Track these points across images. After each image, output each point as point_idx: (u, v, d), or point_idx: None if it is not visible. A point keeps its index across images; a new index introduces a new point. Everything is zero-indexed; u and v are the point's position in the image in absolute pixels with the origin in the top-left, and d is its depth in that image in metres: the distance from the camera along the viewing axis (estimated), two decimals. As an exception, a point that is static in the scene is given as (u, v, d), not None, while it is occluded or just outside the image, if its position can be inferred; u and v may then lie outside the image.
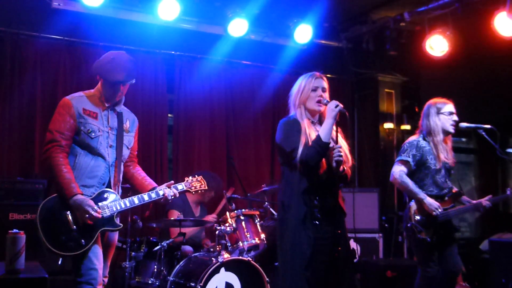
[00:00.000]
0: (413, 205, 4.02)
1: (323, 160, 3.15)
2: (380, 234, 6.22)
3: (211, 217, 5.14)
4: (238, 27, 5.90)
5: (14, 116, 5.25)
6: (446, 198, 4.03)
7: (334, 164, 3.10)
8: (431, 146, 4.04)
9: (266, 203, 5.21)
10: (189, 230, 5.01)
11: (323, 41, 6.92)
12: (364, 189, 6.64)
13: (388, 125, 7.14)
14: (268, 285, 4.34)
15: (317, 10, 6.16)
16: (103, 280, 3.26)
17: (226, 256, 4.30)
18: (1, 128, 5.18)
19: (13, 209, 4.54)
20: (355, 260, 6.09)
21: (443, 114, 4.05)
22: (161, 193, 3.34)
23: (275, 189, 5.27)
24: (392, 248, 6.41)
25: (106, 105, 3.27)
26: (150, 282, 4.41)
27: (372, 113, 7.23)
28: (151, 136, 5.83)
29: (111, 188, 3.22)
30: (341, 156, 3.07)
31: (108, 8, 5.54)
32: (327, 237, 3.14)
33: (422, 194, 3.95)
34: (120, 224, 3.24)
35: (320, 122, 3.28)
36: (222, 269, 4.22)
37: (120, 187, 3.33)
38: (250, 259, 4.37)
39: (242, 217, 4.67)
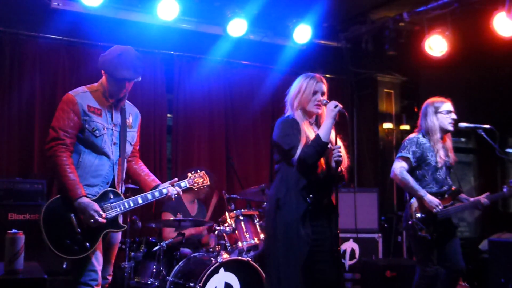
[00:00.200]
0: (414, 202, 4.02)
1: (322, 159, 3.16)
2: (380, 234, 6.22)
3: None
4: (237, 27, 5.90)
5: (13, 116, 5.24)
6: (446, 196, 4.04)
7: (333, 164, 3.11)
8: (430, 144, 4.05)
9: (266, 203, 5.20)
10: (187, 230, 5.00)
11: (322, 41, 6.92)
12: (364, 189, 6.63)
13: (387, 125, 7.14)
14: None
15: (316, 10, 6.15)
16: (107, 279, 3.25)
17: (225, 256, 4.30)
18: (0, 128, 5.17)
19: (12, 209, 4.53)
20: (354, 260, 6.12)
21: (441, 113, 4.06)
22: (164, 191, 3.29)
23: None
24: (391, 248, 6.42)
25: (110, 101, 3.18)
26: (149, 282, 4.41)
27: (371, 113, 7.23)
28: (150, 136, 5.83)
29: (114, 187, 3.17)
30: (340, 156, 3.09)
31: (107, 8, 5.54)
32: (324, 237, 3.14)
33: (422, 191, 3.95)
34: (124, 225, 3.20)
35: (317, 123, 3.30)
36: (221, 269, 4.22)
37: (123, 185, 3.29)
38: (250, 259, 4.37)
39: (241, 217, 4.67)
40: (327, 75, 6.92)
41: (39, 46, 5.43)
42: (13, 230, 2.77)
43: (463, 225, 7.93)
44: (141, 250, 4.59)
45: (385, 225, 6.40)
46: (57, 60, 5.50)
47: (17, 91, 5.27)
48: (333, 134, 3.17)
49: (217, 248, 4.48)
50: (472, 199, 4.12)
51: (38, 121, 5.30)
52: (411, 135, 4.16)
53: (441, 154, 4.03)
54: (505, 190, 4.14)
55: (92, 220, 2.98)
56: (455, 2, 5.63)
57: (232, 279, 4.27)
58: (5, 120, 5.19)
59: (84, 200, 2.98)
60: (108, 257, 3.25)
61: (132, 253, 4.56)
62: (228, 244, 4.54)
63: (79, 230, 3.00)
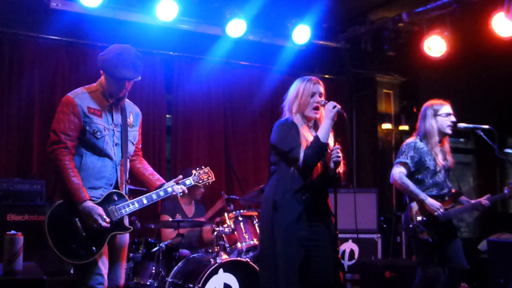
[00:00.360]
0: (414, 206, 4.03)
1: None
2: (379, 235, 6.22)
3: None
4: (236, 27, 5.90)
5: (12, 116, 5.23)
6: (446, 198, 4.05)
7: (332, 165, 3.11)
8: (428, 147, 4.05)
9: (261, 204, 5.19)
10: (185, 231, 4.99)
11: (321, 42, 6.92)
12: (363, 189, 6.63)
13: (386, 126, 7.14)
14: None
15: (315, 10, 6.16)
16: (118, 283, 3.20)
17: (224, 257, 4.29)
18: (-1, 129, 5.18)
19: (11, 210, 4.51)
20: (353, 261, 6.12)
21: (440, 115, 4.07)
22: (169, 190, 3.24)
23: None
24: (390, 248, 6.41)
25: (110, 101, 3.14)
26: (148, 283, 4.40)
27: (370, 114, 7.23)
28: (150, 136, 5.83)
29: (118, 188, 3.13)
30: (339, 157, 3.10)
31: (107, 9, 5.54)
32: (322, 238, 3.14)
33: (423, 195, 3.96)
34: (130, 226, 3.16)
35: (315, 127, 3.30)
36: (221, 270, 4.22)
37: (127, 186, 3.25)
38: (249, 260, 4.36)
39: (240, 218, 4.68)
40: (326, 76, 6.93)
41: (38, 47, 5.43)
42: (12, 231, 2.76)
43: (462, 226, 7.93)
44: (140, 251, 4.58)
45: (384, 225, 6.40)
46: (56, 61, 5.50)
47: (16, 92, 5.27)
48: (334, 136, 3.18)
49: (216, 249, 4.48)
50: (473, 201, 4.12)
51: (37, 122, 5.30)
52: (409, 140, 4.17)
53: (439, 157, 4.03)
54: (506, 191, 4.14)
55: (95, 225, 2.95)
56: (454, 3, 5.63)
57: (231, 280, 4.26)
58: (4, 121, 5.19)
59: (89, 204, 2.94)
60: (118, 259, 3.20)
61: (131, 254, 4.54)
62: (227, 245, 4.54)
63: (84, 234, 2.97)
